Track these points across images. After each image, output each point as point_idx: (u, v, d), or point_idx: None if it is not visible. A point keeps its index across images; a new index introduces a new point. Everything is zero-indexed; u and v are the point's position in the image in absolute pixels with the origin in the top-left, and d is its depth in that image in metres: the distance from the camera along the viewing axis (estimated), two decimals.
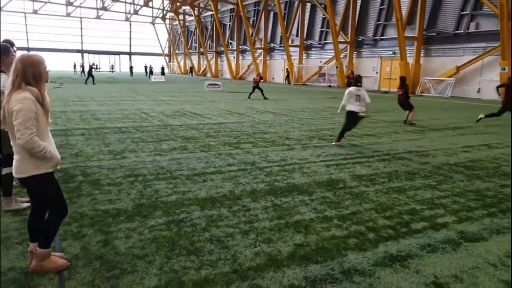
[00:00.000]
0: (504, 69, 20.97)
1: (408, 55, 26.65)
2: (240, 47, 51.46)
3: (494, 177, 5.86)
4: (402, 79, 12.12)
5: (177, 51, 76.25)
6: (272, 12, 44.76)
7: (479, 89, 23.82)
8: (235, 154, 7.01)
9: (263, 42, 45.47)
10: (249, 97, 19.74)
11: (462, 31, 24.80)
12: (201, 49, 61.79)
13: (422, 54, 27.23)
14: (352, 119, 8.06)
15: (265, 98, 19.37)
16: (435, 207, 4.48)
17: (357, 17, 32.77)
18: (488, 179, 5.74)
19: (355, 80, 8.34)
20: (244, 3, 45.90)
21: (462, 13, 24.79)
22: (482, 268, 3.10)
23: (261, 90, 20.15)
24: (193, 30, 67.71)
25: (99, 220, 3.86)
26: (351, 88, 8.13)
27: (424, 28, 26.80)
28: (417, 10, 26.61)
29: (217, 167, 6.05)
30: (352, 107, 8.02)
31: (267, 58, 45.92)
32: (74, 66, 57.82)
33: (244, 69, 50.93)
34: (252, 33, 46.88)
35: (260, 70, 45.59)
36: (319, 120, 12.07)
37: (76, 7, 66.52)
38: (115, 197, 4.56)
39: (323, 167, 6.20)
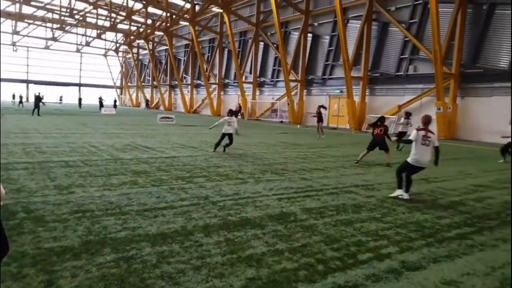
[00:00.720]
0: (439, 109, 22.81)
1: (354, 93, 28.25)
2: (195, 81, 51.93)
3: (432, 209, 6.30)
4: (382, 119, 11.44)
5: (129, 84, 75.34)
6: (226, 49, 45.94)
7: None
8: (187, 188, 6.99)
9: (217, 77, 46.25)
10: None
11: (402, 73, 26.83)
12: (155, 82, 61.56)
13: (367, 93, 28.97)
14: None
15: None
16: (380, 239, 4.73)
17: (307, 57, 34.48)
18: (426, 211, 6.15)
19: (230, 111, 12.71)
20: (199, 39, 46.82)
21: (401, 56, 26.91)
22: None
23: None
24: (146, 63, 67.57)
25: (42, 259, 3.68)
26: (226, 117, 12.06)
27: (369, 69, 28.70)
28: (362, 52, 28.56)
29: (168, 202, 5.99)
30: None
31: (222, 93, 46.59)
32: (13, 96, 54.61)
33: (199, 103, 51.19)
34: (206, 69, 47.62)
35: (214, 104, 46.09)
36: (271, 154, 12.35)
37: (23, 36, 64.29)
38: (60, 234, 4.37)
39: (275, 201, 6.34)
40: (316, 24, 33.86)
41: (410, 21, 26.03)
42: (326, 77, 32.99)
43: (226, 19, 39.09)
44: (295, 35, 35.74)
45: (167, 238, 4.41)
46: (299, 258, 4.00)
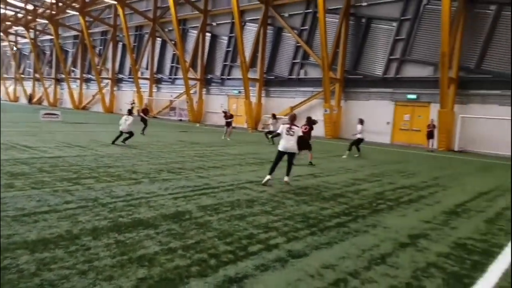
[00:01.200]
0: (326, 110, 24.91)
1: (251, 94, 29.25)
2: (84, 75, 48.19)
3: (317, 201, 6.90)
4: (309, 118, 12.05)
5: (5, 75, 66.56)
6: (121, 43, 43.58)
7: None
8: (74, 190, 6.51)
9: (110, 72, 43.59)
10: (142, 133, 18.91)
11: (294, 77, 28.61)
12: (37, 75, 55.45)
13: (263, 95, 30.24)
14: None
15: (142, 134, 18.57)
16: (269, 230, 5.04)
17: (206, 56, 34.57)
18: (312, 203, 6.73)
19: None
20: (90, 31, 43.55)
21: (294, 61, 28.68)
22: (303, 279, 3.64)
23: (145, 124, 19.78)
24: (28, 53, 60.48)
25: None
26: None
27: (265, 71, 29.98)
28: (258, 55, 29.69)
29: (51, 205, 5.52)
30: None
31: (115, 89, 44.06)
32: None
33: (89, 99, 47.63)
34: (98, 62, 44.56)
35: (107, 101, 43.37)
36: (169, 153, 12.14)
37: None
38: None
39: (171, 200, 6.28)
40: (214, 24, 34.16)
41: (302, 28, 27.89)
42: (224, 77, 33.50)
43: (120, 11, 37.08)
44: (193, 33, 35.56)
45: (49, 244, 4.08)
46: (192, 255, 4.06)
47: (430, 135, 20.08)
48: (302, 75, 28.14)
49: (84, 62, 48.13)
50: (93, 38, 45.80)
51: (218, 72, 34.13)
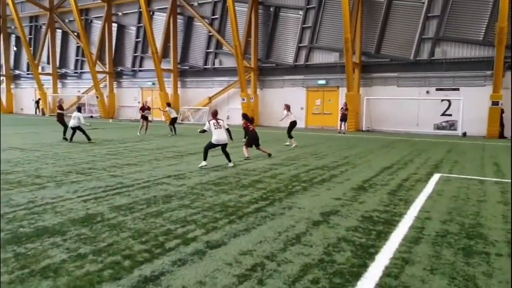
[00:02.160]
0: (243, 99, 25.18)
1: (167, 86, 28.41)
2: None
3: (236, 189, 6.97)
4: (246, 115, 11.84)
5: None
6: (14, 36, 39.25)
7: (228, 116, 27.66)
8: None
9: (4, 68, 39.12)
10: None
11: (209, 66, 28.38)
12: None
13: (179, 86, 29.56)
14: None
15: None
16: (188, 224, 4.96)
17: (113, 48, 32.65)
18: (231, 192, 6.78)
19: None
20: None
21: (207, 50, 28.40)
22: (221, 269, 3.65)
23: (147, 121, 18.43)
24: None
25: None
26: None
27: (178, 61, 29.26)
28: (170, 45, 28.84)
29: None
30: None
31: (12, 87, 39.74)
32: None
33: None
34: None
35: (3, 100, 38.99)
36: (77, 154, 11.31)
37: None
38: None
39: (80, 203, 5.86)
40: (120, 13, 32.36)
41: (212, 17, 27.65)
42: (136, 69, 32.07)
43: (9, 0, 33.24)
44: (98, 24, 33.36)
45: None
46: (104, 258, 3.83)
47: (343, 118, 21.10)
48: (217, 65, 28.02)
49: None
50: None
51: (128, 64, 32.51)
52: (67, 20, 34.82)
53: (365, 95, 22.56)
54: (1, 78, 39.30)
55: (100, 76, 32.29)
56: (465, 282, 3.45)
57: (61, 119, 15.69)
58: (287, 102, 15.81)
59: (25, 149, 12.04)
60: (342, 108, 21.48)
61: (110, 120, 29.53)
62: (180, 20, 29.19)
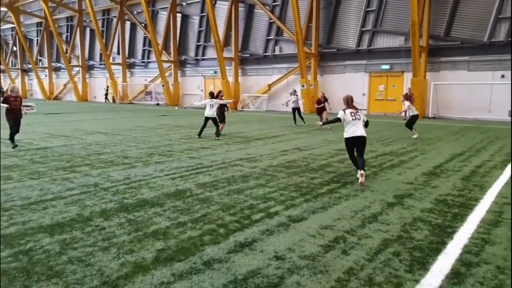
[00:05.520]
0: (303, 86, 25.25)
1: (228, 74, 29.20)
2: (53, 64, 46.63)
3: (306, 172, 7.30)
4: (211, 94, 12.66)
5: None
6: (88, 29, 42.26)
7: (287, 103, 27.86)
8: (72, 178, 6.67)
9: (80, 59, 42.37)
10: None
11: (269, 54, 28.67)
12: (2, 67, 53.22)
13: (240, 73, 30.23)
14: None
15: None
16: (267, 201, 5.39)
17: (178, 37, 34.04)
18: (302, 174, 7.12)
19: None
20: (54, 17, 41.95)
21: (268, 38, 28.67)
22: (306, 239, 4.03)
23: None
24: None
25: None
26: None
27: (239, 50, 29.87)
28: (232, 33, 29.50)
29: (55, 193, 5.69)
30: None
31: (87, 77, 43.00)
32: None
33: (60, 88, 46.30)
34: (66, 50, 43.17)
35: (80, 89, 42.35)
36: (154, 137, 12.26)
37: None
38: None
39: (169, 180, 6.54)
40: (184, 4, 33.53)
41: (274, 3, 27.78)
42: (199, 58, 33.19)
43: None
44: (163, 15, 34.84)
45: (65, 226, 4.31)
46: (201, 226, 4.37)
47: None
48: (277, 52, 28.22)
49: (51, 51, 46.44)
50: (58, 24, 44.14)
51: (192, 53, 33.75)
52: (135, 12, 36.78)
53: (432, 81, 21.61)
54: (78, 69, 42.64)
55: (165, 65, 33.89)
56: None
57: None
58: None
59: (107, 133, 13.26)
60: (406, 94, 20.79)
61: (176, 107, 31.04)
62: (241, 8, 29.67)
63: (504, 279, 3.21)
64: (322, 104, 16.30)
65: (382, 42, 23.65)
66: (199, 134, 12.41)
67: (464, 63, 20.95)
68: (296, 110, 17.19)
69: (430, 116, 21.51)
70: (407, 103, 12.71)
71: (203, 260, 3.51)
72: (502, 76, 19.80)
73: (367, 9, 23.84)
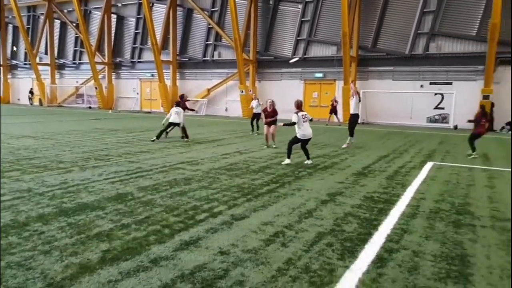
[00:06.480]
0: (242, 91, 25.70)
1: (166, 77, 28.80)
2: None
3: (247, 174, 7.59)
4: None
5: None
6: (11, 25, 39.22)
7: (226, 108, 28.17)
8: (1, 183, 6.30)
9: (1, 58, 39.13)
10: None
11: (208, 58, 28.79)
12: None
13: (178, 77, 29.96)
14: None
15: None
16: (211, 201, 5.58)
17: (113, 39, 32.88)
18: (243, 176, 7.39)
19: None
20: None
21: (207, 42, 28.78)
22: (248, 235, 4.28)
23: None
24: None
25: None
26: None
27: (178, 53, 29.62)
28: (170, 37, 29.18)
29: None
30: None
31: (9, 77, 39.81)
32: None
33: None
34: None
35: (1, 90, 39.07)
36: (90, 142, 11.82)
37: None
38: None
39: (108, 184, 6.45)
40: (120, 5, 32.53)
41: (212, 9, 28.00)
42: (135, 60, 32.35)
43: None
44: (97, 15, 33.50)
45: None
46: (146, 227, 4.44)
47: (333, 111, 21.71)
48: (216, 57, 28.44)
49: None
50: None
51: (127, 55, 32.78)
52: (65, 11, 34.90)
53: (361, 89, 23.14)
54: None
55: (99, 67, 32.53)
56: (454, 246, 4.12)
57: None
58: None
59: (37, 137, 12.52)
60: (332, 101, 21.97)
61: (110, 111, 29.90)
62: (179, 12, 29.49)
63: (418, 261, 3.72)
64: (274, 118, 12.00)
65: (316, 51, 24.90)
66: (158, 136, 12.35)
67: (389, 73, 22.79)
68: (257, 116, 15.57)
69: (359, 122, 22.98)
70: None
71: (150, 258, 3.61)
72: (421, 86, 21.85)
73: (302, 19, 24.97)
